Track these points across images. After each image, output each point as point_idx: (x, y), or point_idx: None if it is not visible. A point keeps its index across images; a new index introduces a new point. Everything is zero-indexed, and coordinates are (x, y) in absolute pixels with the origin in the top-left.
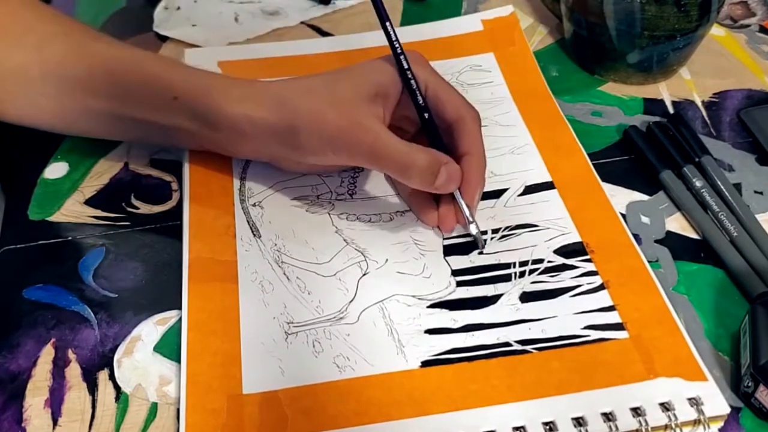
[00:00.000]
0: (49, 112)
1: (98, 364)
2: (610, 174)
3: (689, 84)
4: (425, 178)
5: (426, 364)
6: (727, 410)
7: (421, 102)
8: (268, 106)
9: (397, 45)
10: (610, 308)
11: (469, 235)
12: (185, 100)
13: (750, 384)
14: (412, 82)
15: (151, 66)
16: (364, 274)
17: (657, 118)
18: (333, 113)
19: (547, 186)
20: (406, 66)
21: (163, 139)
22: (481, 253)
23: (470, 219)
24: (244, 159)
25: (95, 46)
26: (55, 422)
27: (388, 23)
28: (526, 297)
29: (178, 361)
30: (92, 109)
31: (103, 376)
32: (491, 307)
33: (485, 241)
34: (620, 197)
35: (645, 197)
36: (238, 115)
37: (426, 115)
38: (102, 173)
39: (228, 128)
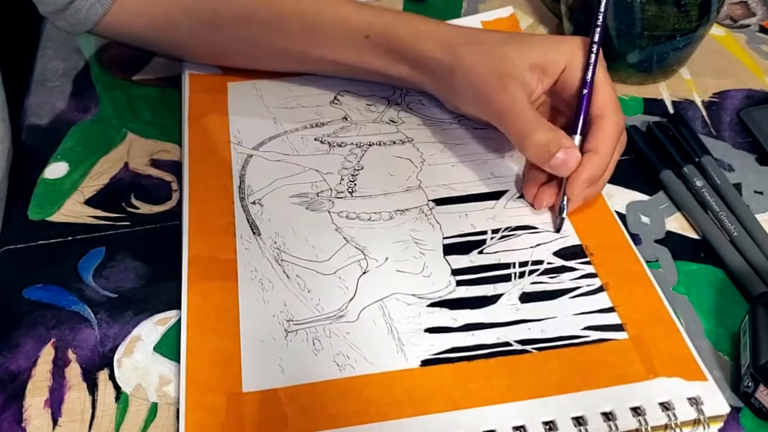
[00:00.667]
0: (239, 53)
1: (98, 364)
2: None
3: (689, 84)
4: (540, 153)
5: (426, 363)
6: (727, 410)
7: (588, 80)
8: (440, 46)
9: (600, 22)
10: (610, 310)
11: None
12: (377, 39)
13: (750, 384)
14: (592, 59)
15: (342, 6)
16: (364, 273)
17: (657, 118)
18: (486, 68)
19: None
20: (596, 48)
21: (347, 72)
22: (557, 231)
23: (563, 210)
24: (416, 89)
25: None
26: (55, 422)
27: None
28: (526, 297)
29: (178, 361)
30: (282, 49)
31: (103, 376)
32: (491, 306)
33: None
34: (620, 197)
35: (645, 197)
36: (421, 51)
37: (584, 95)
38: (102, 173)
39: (412, 62)
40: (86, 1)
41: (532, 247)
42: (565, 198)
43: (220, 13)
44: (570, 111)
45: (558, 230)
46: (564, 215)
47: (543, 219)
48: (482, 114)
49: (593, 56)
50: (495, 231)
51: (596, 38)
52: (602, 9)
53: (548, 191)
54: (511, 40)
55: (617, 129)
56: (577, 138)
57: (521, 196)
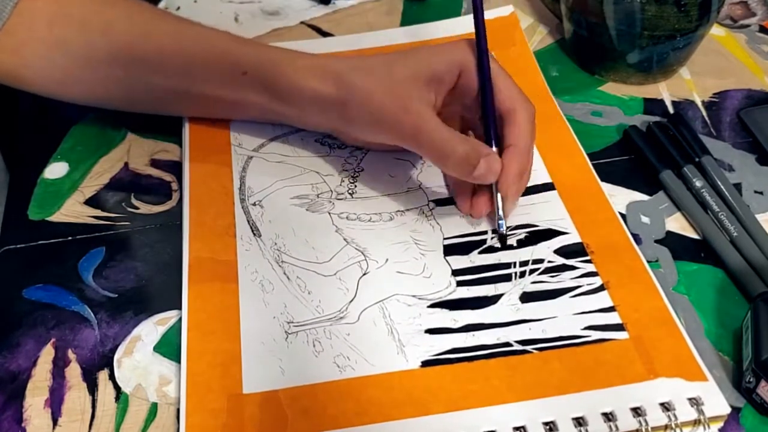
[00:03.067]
0: (116, 92)
1: (98, 364)
2: (610, 174)
3: (689, 84)
4: (463, 168)
5: (426, 363)
6: (728, 410)
7: (487, 87)
8: (328, 79)
9: (481, 23)
10: (611, 309)
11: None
12: (255, 74)
13: (752, 380)
14: (485, 65)
15: (220, 42)
16: (364, 274)
17: (657, 118)
18: (383, 93)
19: (547, 187)
20: (484, 48)
21: (229, 113)
22: (501, 249)
23: (500, 214)
24: (307, 129)
25: (162, 26)
26: (55, 422)
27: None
28: (527, 297)
29: (178, 361)
30: (160, 87)
31: (103, 376)
32: (491, 307)
33: (506, 238)
34: (620, 197)
35: (645, 197)
36: (303, 88)
37: (486, 101)
38: (102, 173)
39: (294, 100)
40: None
41: (532, 246)
42: (500, 207)
43: (94, 49)
44: (473, 113)
45: (503, 245)
46: (503, 230)
47: (543, 218)
48: (389, 140)
49: (484, 56)
50: (495, 231)
51: (482, 38)
52: (479, 4)
53: (482, 199)
54: (397, 59)
55: (530, 117)
56: (494, 149)
57: (522, 195)
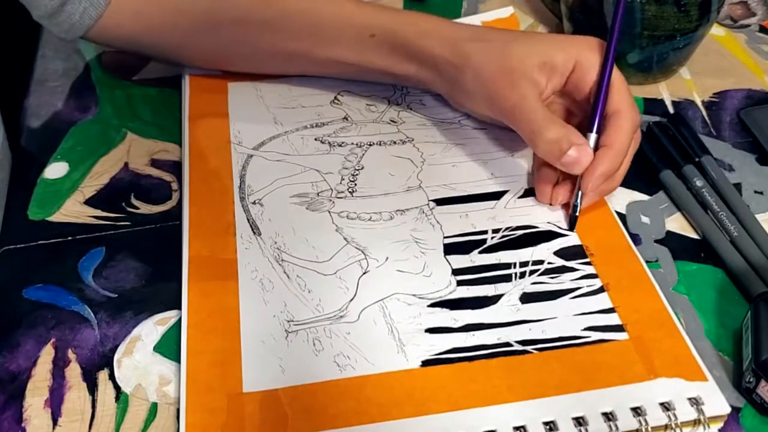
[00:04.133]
0: (238, 54)
1: (98, 364)
2: None
3: (689, 84)
4: (552, 150)
5: (426, 363)
6: (728, 410)
7: (605, 81)
8: (446, 44)
9: (617, 22)
10: (610, 310)
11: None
12: (383, 37)
13: (752, 380)
14: (610, 61)
15: (348, 5)
16: (364, 273)
17: (657, 118)
18: (495, 66)
19: None
20: (613, 46)
21: (352, 75)
22: (569, 230)
23: (576, 209)
24: (420, 89)
25: None
26: (55, 422)
27: None
28: (527, 298)
29: (178, 361)
30: (285, 49)
31: (103, 376)
32: (492, 307)
33: (576, 220)
34: (620, 197)
35: (645, 197)
36: (423, 49)
37: (599, 95)
38: (102, 173)
39: (415, 60)
40: (79, 5)
41: (532, 247)
42: (580, 194)
43: (216, 15)
44: (581, 112)
45: (571, 228)
46: (577, 213)
47: (544, 218)
48: (491, 112)
49: (611, 54)
50: (495, 231)
51: (614, 36)
52: (620, 8)
53: (562, 190)
54: (518, 38)
55: (632, 125)
56: (593, 137)
57: (522, 196)
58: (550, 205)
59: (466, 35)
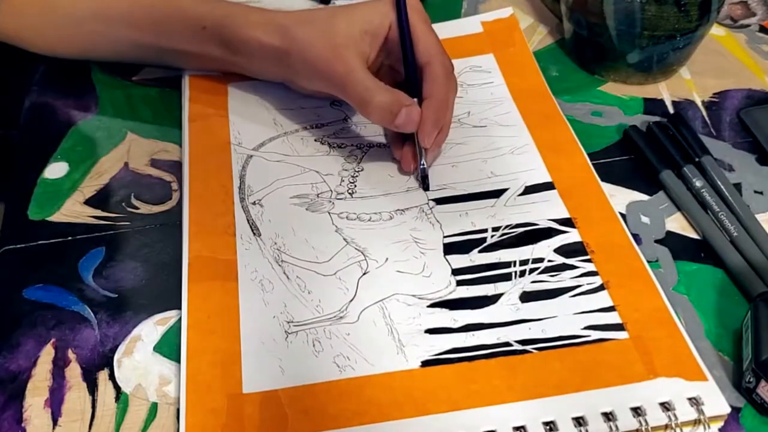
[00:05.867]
0: (100, 46)
1: (98, 364)
2: (610, 174)
3: (689, 84)
4: (384, 116)
5: (426, 363)
6: (728, 410)
7: (407, 39)
8: (273, 32)
9: None
10: (610, 309)
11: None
12: (213, 29)
13: (752, 380)
14: (403, 17)
15: (183, 1)
16: (364, 274)
17: (657, 118)
18: (321, 43)
19: (547, 186)
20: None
21: (195, 64)
22: (426, 189)
23: (422, 162)
24: (261, 78)
25: None
26: (55, 422)
27: None
28: (527, 297)
29: (178, 361)
30: (136, 41)
31: (103, 376)
32: (491, 306)
33: (427, 178)
34: (620, 197)
35: (645, 197)
36: (251, 39)
37: (405, 53)
38: (102, 173)
39: (244, 51)
40: None
41: (533, 245)
42: (422, 152)
43: (78, 9)
44: (402, 66)
45: (425, 187)
46: (426, 172)
47: (544, 215)
48: (324, 88)
49: (402, 7)
50: (495, 229)
51: None
52: None
53: (408, 152)
54: (338, 12)
55: (445, 71)
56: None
57: (522, 194)
58: (412, 170)
59: (292, 21)
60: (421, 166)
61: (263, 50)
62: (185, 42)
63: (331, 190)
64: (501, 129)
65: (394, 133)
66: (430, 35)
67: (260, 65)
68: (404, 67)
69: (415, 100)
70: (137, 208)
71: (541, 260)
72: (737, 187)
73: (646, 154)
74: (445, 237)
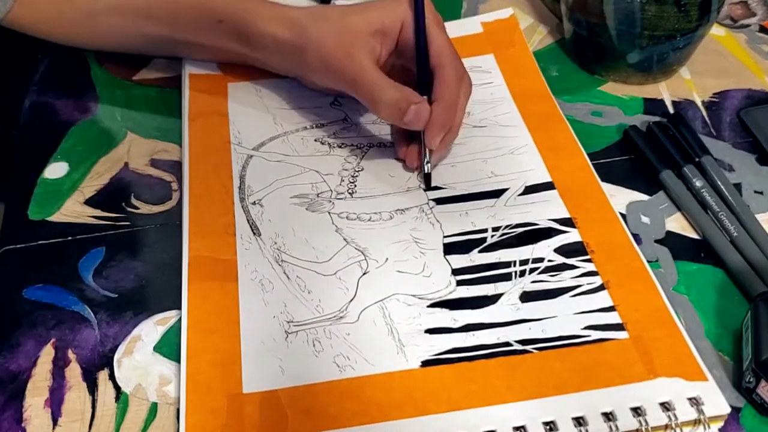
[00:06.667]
0: (116, 38)
1: (98, 364)
2: (610, 174)
3: (689, 84)
4: (392, 113)
5: (426, 363)
6: (728, 410)
7: (422, 40)
8: (289, 28)
9: None
10: (611, 309)
11: (476, 231)
12: (229, 23)
13: (752, 380)
14: (419, 17)
15: None
16: (364, 273)
17: (657, 118)
18: (333, 40)
19: (547, 186)
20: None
21: (210, 56)
22: (427, 189)
23: (426, 159)
24: (275, 72)
25: None
26: (55, 422)
27: None
28: (527, 297)
29: (178, 361)
30: (152, 33)
31: (103, 376)
32: (491, 306)
33: (430, 177)
34: (620, 197)
35: (645, 197)
36: (267, 35)
37: (419, 53)
38: (102, 173)
39: (260, 45)
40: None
41: (533, 245)
42: (427, 151)
43: (95, 3)
44: (414, 67)
45: (427, 186)
46: (428, 170)
47: (544, 215)
48: (335, 85)
49: (420, 10)
50: (495, 229)
51: None
52: None
53: (413, 150)
54: (352, 11)
55: (456, 74)
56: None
57: (522, 193)
58: (406, 165)
59: (306, 17)
60: (426, 165)
61: (278, 45)
62: (201, 35)
63: (331, 190)
64: (501, 129)
65: (399, 131)
66: (444, 38)
67: (274, 59)
68: (417, 68)
69: (425, 98)
70: (137, 208)
71: (541, 260)
72: (737, 187)
73: (646, 154)
74: (445, 237)
